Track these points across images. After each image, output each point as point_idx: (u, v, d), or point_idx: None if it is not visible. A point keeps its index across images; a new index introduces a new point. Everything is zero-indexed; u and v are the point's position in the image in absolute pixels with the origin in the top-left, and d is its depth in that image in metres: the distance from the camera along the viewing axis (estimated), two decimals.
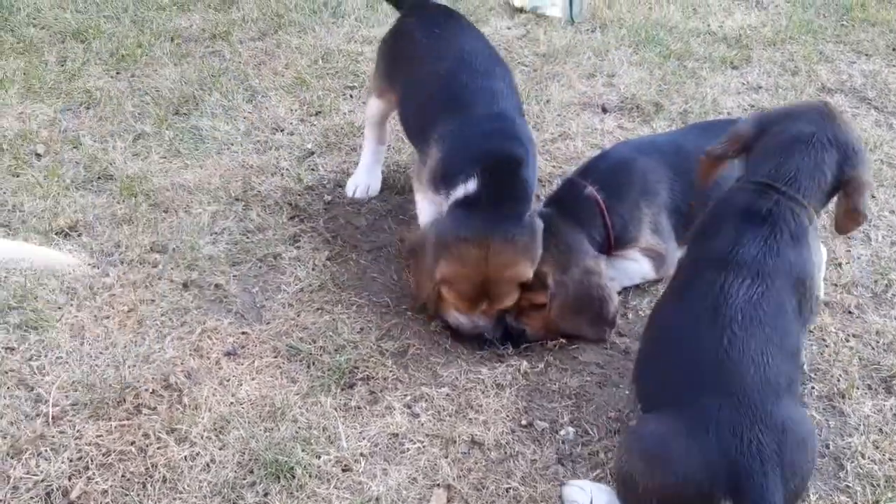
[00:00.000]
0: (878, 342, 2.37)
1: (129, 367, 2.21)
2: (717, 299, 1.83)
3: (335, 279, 2.58)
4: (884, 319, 2.45)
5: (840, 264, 2.66)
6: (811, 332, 2.37)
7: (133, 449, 1.99)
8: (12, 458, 1.96)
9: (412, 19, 2.78)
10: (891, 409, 2.16)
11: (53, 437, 2.01)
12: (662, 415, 1.80)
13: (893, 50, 4.08)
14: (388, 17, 4.19)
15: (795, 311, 1.88)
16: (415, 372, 2.27)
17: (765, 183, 1.97)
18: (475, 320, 2.34)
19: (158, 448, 2.00)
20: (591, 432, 2.11)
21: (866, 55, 4.03)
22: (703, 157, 2.13)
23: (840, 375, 2.26)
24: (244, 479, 1.95)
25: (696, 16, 4.37)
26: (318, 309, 2.46)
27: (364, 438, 2.06)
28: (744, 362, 1.75)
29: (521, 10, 4.34)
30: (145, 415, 2.08)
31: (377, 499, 1.92)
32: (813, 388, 2.22)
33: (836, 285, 2.58)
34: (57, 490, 1.90)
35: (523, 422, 2.14)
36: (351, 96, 3.56)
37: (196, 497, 1.90)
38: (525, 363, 2.31)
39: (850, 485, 1.97)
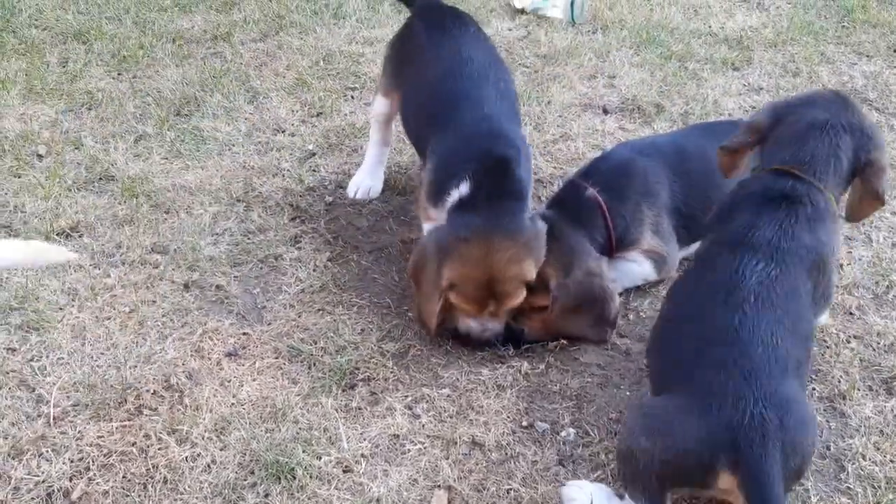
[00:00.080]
0: (878, 343, 2.37)
1: (130, 367, 2.21)
2: (731, 280, 1.84)
3: (336, 280, 2.58)
4: (885, 321, 2.45)
5: (841, 265, 2.65)
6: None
7: (134, 450, 2.00)
8: (13, 458, 1.97)
9: (419, 21, 2.78)
10: (891, 410, 2.16)
11: (54, 437, 2.02)
12: (668, 393, 1.82)
13: (894, 51, 4.08)
14: (390, 19, 4.20)
15: (809, 295, 1.89)
16: (416, 373, 2.27)
17: (781, 169, 1.99)
18: (485, 324, 2.33)
19: (159, 449, 2.00)
20: (591, 433, 2.11)
21: (867, 56, 4.02)
22: (721, 151, 2.14)
23: (841, 377, 2.26)
24: (245, 479, 1.95)
25: (698, 17, 4.37)
26: (319, 310, 2.46)
27: (365, 439, 2.06)
28: (753, 342, 1.76)
29: (522, 12, 4.34)
30: (146, 415, 2.08)
31: (378, 500, 1.92)
32: (814, 389, 2.22)
33: (837, 286, 2.58)
34: (58, 491, 1.91)
35: (524, 423, 2.14)
36: (352, 97, 3.56)
37: (197, 498, 1.91)
38: (526, 364, 2.31)
39: (851, 486, 1.97)
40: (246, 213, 2.84)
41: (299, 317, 2.43)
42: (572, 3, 4.22)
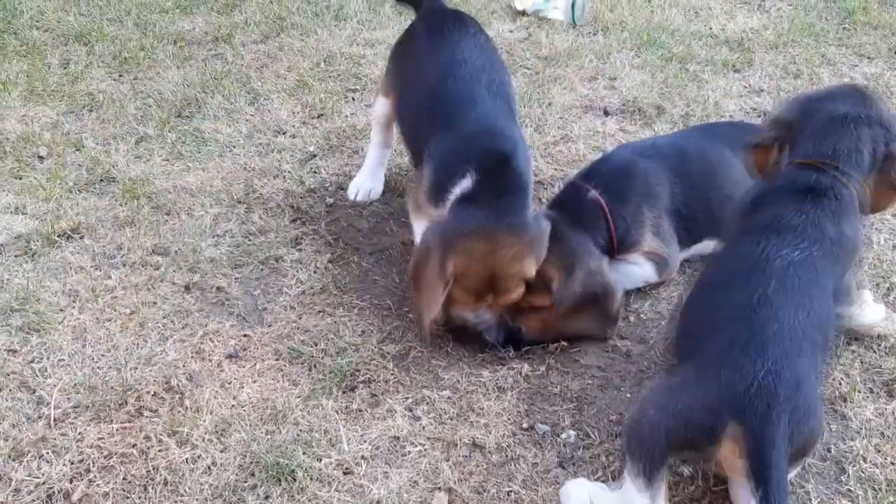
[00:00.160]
0: (879, 346, 2.37)
1: (130, 369, 2.21)
2: (755, 262, 1.87)
3: (337, 282, 2.58)
4: (886, 323, 2.44)
5: None
6: None
7: (134, 451, 2.00)
8: (14, 460, 1.97)
9: (421, 23, 2.79)
10: (892, 412, 2.16)
11: (55, 439, 2.02)
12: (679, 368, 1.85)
13: (895, 53, 4.08)
14: (391, 20, 4.20)
15: (831, 286, 1.91)
16: (416, 375, 2.27)
17: (807, 162, 2.01)
18: (479, 315, 2.34)
19: (160, 450, 2.00)
20: (592, 435, 2.11)
21: (868, 58, 4.02)
22: (750, 150, 2.18)
23: (841, 379, 2.26)
24: (245, 481, 1.95)
25: (698, 19, 4.37)
26: (319, 312, 2.46)
27: (365, 441, 2.06)
28: (770, 320, 1.78)
29: (523, 14, 4.35)
30: (147, 417, 2.08)
31: (378, 502, 1.92)
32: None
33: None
34: (58, 492, 1.91)
35: (524, 425, 2.14)
36: (353, 99, 3.56)
37: (197, 500, 1.91)
38: (526, 366, 2.31)
39: (852, 489, 1.97)
40: (247, 215, 2.85)
41: (300, 318, 2.43)
42: (573, 5, 4.22)
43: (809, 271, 1.86)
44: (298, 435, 2.05)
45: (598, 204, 2.46)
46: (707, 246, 2.68)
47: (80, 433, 2.03)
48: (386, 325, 2.43)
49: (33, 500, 1.89)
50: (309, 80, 3.64)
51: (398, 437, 2.08)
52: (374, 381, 2.24)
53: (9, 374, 2.19)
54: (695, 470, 2.00)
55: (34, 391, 2.15)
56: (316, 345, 2.33)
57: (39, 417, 2.08)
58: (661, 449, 1.74)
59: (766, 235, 1.91)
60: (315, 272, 2.61)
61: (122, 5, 4.28)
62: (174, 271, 2.57)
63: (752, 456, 1.65)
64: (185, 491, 1.92)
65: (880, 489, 1.96)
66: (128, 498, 1.90)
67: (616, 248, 2.48)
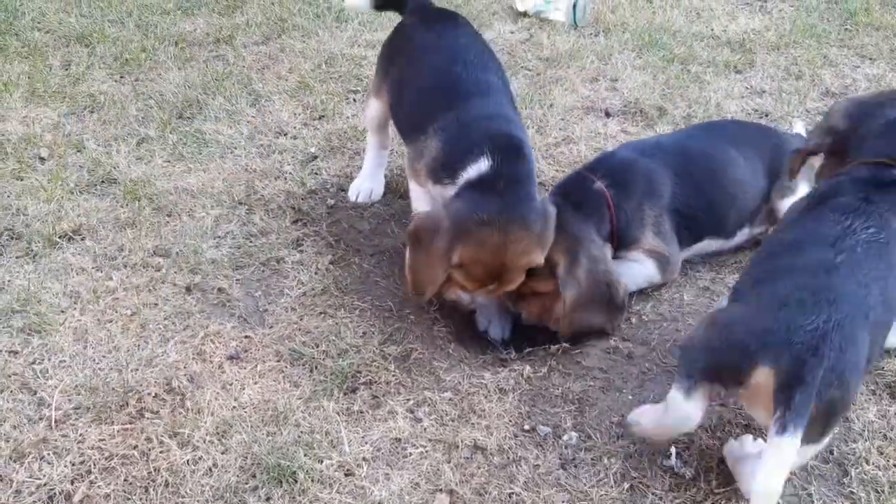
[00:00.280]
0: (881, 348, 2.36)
1: (131, 370, 2.21)
2: (825, 237, 1.93)
3: (338, 283, 2.58)
4: None
5: None
6: None
7: (135, 453, 1.99)
8: (15, 461, 1.97)
9: (413, 18, 2.80)
10: (895, 414, 2.15)
11: (56, 440, 2.02)
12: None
13: None
14: (392, 22, 4.18)
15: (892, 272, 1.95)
16: (417, 376, 2.27)
17: (874, 161, 2.08)
18: (476, 298, 2.34)
19: (161, 452, 2.00)
20: (594, 437, 2.11)
21: (870, 59, 4.02)
22: (795, 155, 2.26)
23: None
24: (246, 483, 1.94)
25: (700, 20, 4.37)
26: (320, 313, 2.46)
27: (366, 443, 2.06)
28: (843, 282, 1.83)
29: (524, 15, 4.35)
30: (148, 419, 2.08)
31: (379, 503, 1.92)
32: None
33: None
34: (59, 494, 1.90)
35: (526, 427, 2.14)
36: (354, 100, 3.56)
37: (198, 501, 1.90)
38: (528, 368, 2.31)
39: (855, 491, 1.97)
40: (248, 216, 2.84)
41: (301, 320, 2.43)
42: (574, 6, 4.22)
43: (875, 254, 1.91)
44: (300, 436, 2.05)
45: (603, 195, 2.47)
46: (708, 245, 2.68)
47: (81, 434, 2.03)
48: (387, 326, 2.43)
49: (34, 502, 1.89)
50: (310, 82, 3.64)
51: (399, 439, 2.08)
52: (376, 382, 2.23)
53: (10, 376, 2.18)
54: (697, 471, 2.00)
55: (35, 392, 2.15)
56: (317, 346, 2.33)
57: (40, 419, 2.08)
58: (705, 366, 1.84)
59: (837, 215, 1.98)
60: (316, 273, 2.61)
61: (123, 7, 4.28)
62: (175, 273, 2.57)
63: (780, 387, 1.70)
64: (186, 492, 1.92)
65: (883, 491, 1.96)
66: (129, 499, 1.90)
67: (616, 242, 2.48)
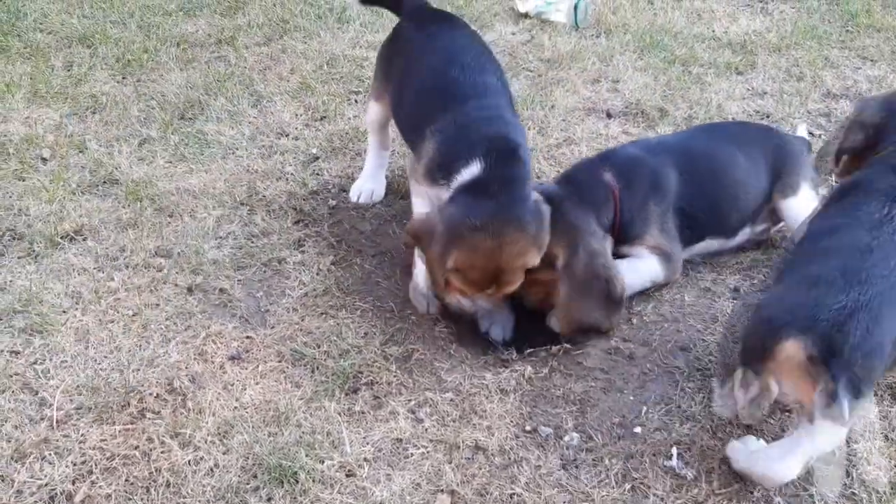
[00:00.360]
0: None
1: (133, 371, 2.21)
2: (863, 220, 1.96)
3: (339, 284, 2.58)
4: None
5: None
6: None
7: (137, 453, 1.99)
8: (16, 461, 1.97)
9: (408, 21, 2.81)
10: None
11: (57, 441, 2.02)
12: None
13: None
14: (393, 23, 4.19)
15: None
16: (419, 377, 2.27)
17: None
18: (477, 302, 2.34)
19: (162, 452, 2.00)
20: (595, 438, 2.11)
21: (871, 61, 4.02)
22: (837, 157, 2.32)
23: None
24: (248, 483, 1.94)
25: (701, 21, 4.37)
26: (322, 313, 2.46)
27: (368, 443, 2.06)
28: (873, 267, 1.84)
29: (525, 16, 4.35)
30: (149, 419, 2.08)
31: (381, 503, 1.92)
32: None
33: None
34: (61, 494, 1.91)
35: (527, 427, 2.14)
36: (356, 101, 3.56)
37: (199, 502, 1.90)
38: (529, 368, 2.31)
39: (856, 491, 1.96)
40: (249, 217, 2.85)
41: (302, 320, 2.43)
42: (576, 8, 4.23)
43: None
44: (301, 437, 2.05)
45: (611, 187, 2.47)
46: (710, 245, 2.68)
47: (82, 435, 2.03)
48: (389, 327, 2.43)
49: (35, 502, 1.89)
50: (312, 83, 3.65)
51: (401, 440, 2.08)
52: (377, 383, 2.23)
53: (11, 376, 2.19)
54: (698, 472, 2.00)
55: (37, 393, 2.15)
56: (318, 347, 2.33)
57: (42, 419, 2.08)
58: (740, 355, 1.90)
59: (875, 202, 2.00)
60: (318, 274, 2.61)
61: (125, 8, 4.28)
62: (177, 273, 2.57)
63: (813, 360, 1.72)
64: (187, 493, 1.92)
65: (884, 492, 1.96)
66: (130, 500, 1.90)
67: (618, 236, 2.49)
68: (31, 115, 3.38)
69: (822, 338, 1.73)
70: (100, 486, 1.92)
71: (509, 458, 2.05)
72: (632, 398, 2.22)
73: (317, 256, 2.69)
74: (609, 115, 3.49)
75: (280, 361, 2.28)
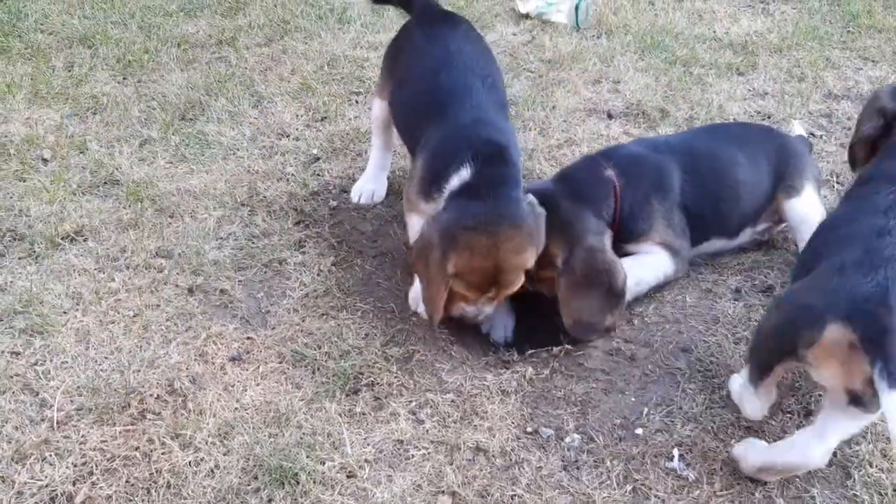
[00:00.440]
0: None
1: (133, 372, 2.21)
2: (879, 206, 1.97)
3: (340, 285, 2.58)
4: None
5: None
6: None
7: (137, 454, 1.99)
8: (17, 462, 1.96)
9: (413, 21, 2.81)
10: None
11: (58, 441, 2.01)
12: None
13: None
14: (394, 23, 4.20)
15: None
16: (420, 378, 2.27)
17: None
18: (481, 308, 2.34)
19: (163, 453, 2.00)
20: (596, 439, 2.10)
21: (873, 61, 4.02)
22: (855, 146, 2.34)
23: None
24: (248, 485, 1.94)
25: (702, 22, 4.37)
26: (323, 314, 2.46)
27: (369, 445, 2.06)
28: (886, 249, 1.84)
29: (526, 17, 4.35)
30: (150, 420, 2.08)
31: None
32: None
33: None
34: (61, 495, 1.90)
35: (528, 429, 2.13)
36: (356, 102, 3.56)
37: (200, 503, 1.90)
38: (530, 369, 2.30)
39: (858, 493, 1.96)
40: (250, 218, 2.84)
41: (303, 321, 2.42)
42: (577, 8, 4.22)
43: None
44: (302, 438, 2.05)
45: (612, 182, 2.48)
46: (713, 245, 2.68)
47: (82, 436, 2.03)
48: (389, 328, 2.43)
49: (36, 503, 1.89)
50: (312, 83, 3.64)
51: (402, 441, 2.07)
52: (378, 384, 2.23)
53: (12, 377, 2.18)
54: (699, 473, 2.00)
55: (37, 393, 2.14)
56: (319, 348, 2.33)
57: (42, 420, 2.07)
58: (770, 351, 1.91)
59: (890, 185, 2.02)
60: (318, 275, 2.61)
61: (126, 8, 4.28)
62: (177, 274, 2.57)
63: (864, 340, 1.70)
64: (187, 494, 1.91)
65: (886, 494, 1.95)
66: (130, 501, 1.90)
67: (619, 231, 2.48)
68: (32, 115, 3.38)
69: (869, 317, 1.72)
70: (100, 487, 1.92)
71: (510, 460, 2.04)
72: (633, 399, 2.21)
73: (317, 257, 2.69)
74: (610, 116, 3.49)
75: (281, 362, 2.28)
